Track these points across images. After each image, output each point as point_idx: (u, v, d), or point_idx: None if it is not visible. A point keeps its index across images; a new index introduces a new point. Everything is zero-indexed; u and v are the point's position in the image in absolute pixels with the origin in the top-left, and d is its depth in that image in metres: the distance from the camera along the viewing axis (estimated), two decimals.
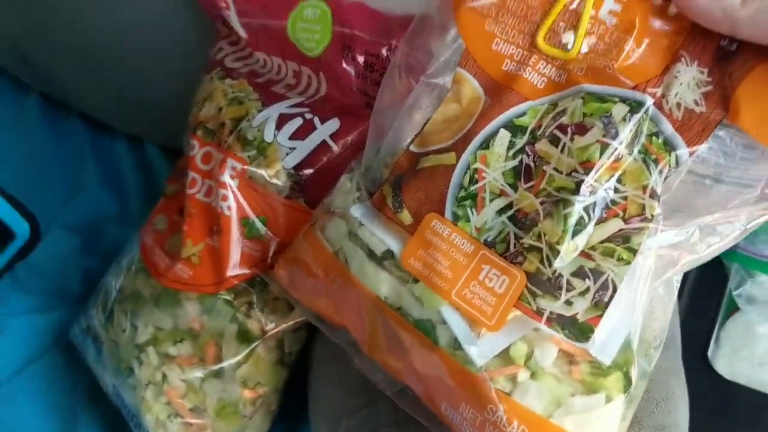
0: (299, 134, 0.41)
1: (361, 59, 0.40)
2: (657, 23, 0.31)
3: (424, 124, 0.34)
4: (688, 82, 0.30)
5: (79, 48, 0.56)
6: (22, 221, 0.59)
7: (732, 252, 0.49)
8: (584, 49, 0.32)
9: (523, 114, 0.32)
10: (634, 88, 0.30)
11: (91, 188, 0.64)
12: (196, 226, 0.43)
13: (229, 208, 0.41)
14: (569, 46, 0.32)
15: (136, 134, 0.67)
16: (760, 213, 0.32)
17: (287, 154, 0.41)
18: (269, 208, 0.41)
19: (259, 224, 0.41)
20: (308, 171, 0.41)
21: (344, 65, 0.41)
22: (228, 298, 0.42)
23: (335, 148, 0.41)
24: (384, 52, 0.40)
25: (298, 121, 0.41)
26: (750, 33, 0.29)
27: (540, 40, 0.32)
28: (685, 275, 0.45)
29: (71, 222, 0.61)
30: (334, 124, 0.41)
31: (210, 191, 0.43)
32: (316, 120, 0.41)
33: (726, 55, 0.30)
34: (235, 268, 0.42)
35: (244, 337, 0.42)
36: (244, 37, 0.46)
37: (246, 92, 0.44)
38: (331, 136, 0.40)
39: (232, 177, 0.41)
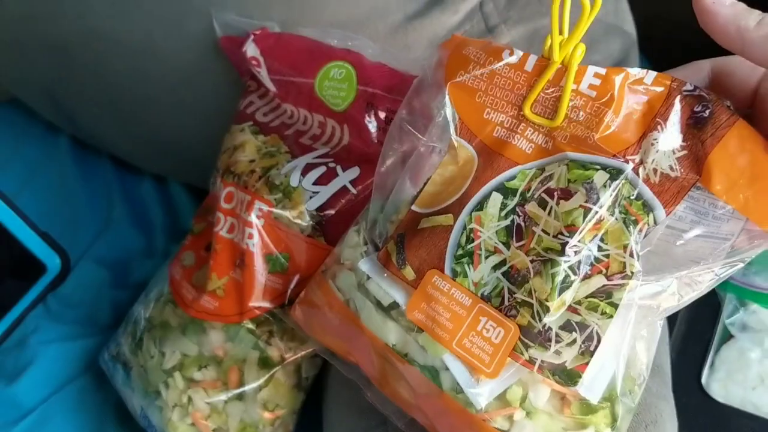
0: (323, 180, 0.45)
1: (382, 115, 0.45)
2: (634, 95, 0.33)
3: (424, 185, 0.37)
4: (664, 149, 0.33)
5: (106, 95, 0.60)
6: (53, 255, 0.63)
7: (725, 282, 0.51)
8: (568, 119, 0.34)
9: (514, 177, 0.35)
10: (613, 156, 0.33)
11: (119, 224, 0.67)
12: (221, 261, 0.46)
13: (254, 245, 0.45)
14: (554, 116, 0.35)
15: (161, 173, 0.71)
16: (732, 264, 0.35)
17: (311, 197, 0.45)
18: (292, 245, 0.45)
19: (282, 260, 0.45)
20: (329, 212, 0.45)
21: (367, 119, 0.45)
22: (251, 327, 0.45)
23: (354, 191, 0.45)
24: None
25: (321, 169, 0.45)
26: (758, 55, 0.32)
27: (527, 110, 0.35)
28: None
29: (100, 256, 0.65)
30: (354, 171, 0.45)
31: (235, 229, 0.46)
32: (339, 168, 0.45)
33: (699, 121, 0.32)
34: (257, 300, 0.45)
35: (265, 363, 0.46)
36: (274, 91, 0.50)
37: (278, 146, 0.49)
38: (351, 182, 0.45)
39: (258, 217, 0.45)
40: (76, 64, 0.59)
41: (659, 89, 0.33)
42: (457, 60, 0.37)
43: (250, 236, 0.45)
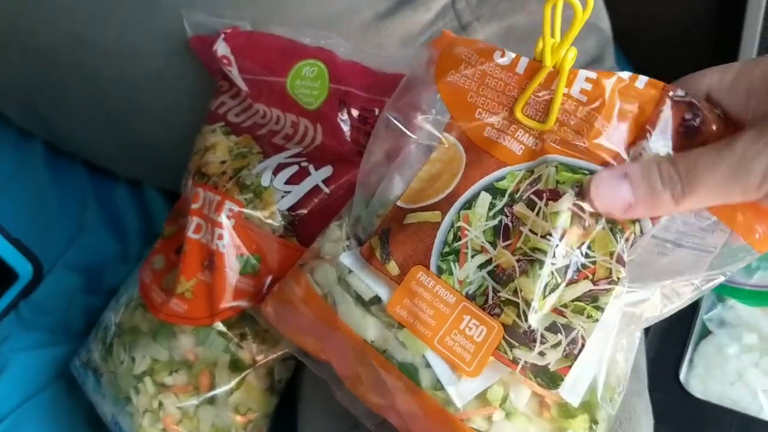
0: (294, 179, 0.44)
1: (355, 113, 0.44)
2: (625, 100, 0.33)
3: (412, 181, 0.37)
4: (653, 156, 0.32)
5: (91, 101, 0.59)
6: (25, 262, 0.62)
7: None
8: (559, 122, 0.34)
9: (503, 178, 0.35)
10: (602, 163, 0.33)
11: (92, 230, 0.66)
12: (189, 263, 0.45)
13: (224, 245, 0.44)
14: (545, 119, 0.35)
15: (137, 178, 0.70)
16: (713, 277, 0.35)
17: (282, 197, 0.44)
18: (264, 246, 0.44)
19: (253, 261, 0.44)
20: (302, 212, 0.44)
21: (340, 118, 0.45)
22: (221, 329, 0.45)
23: (326, 190, 0.44)
24: (376, 107, 0.44)
25: (293, 168, 0.45)
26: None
27: (518, 112, 0.35)
28: None
29: (74, 262, 0.63)
30: (327, 170, 0.44)
31: (202, 229, 0.45)
32: (311, 167, 0.45)
33: (689, 129, 0.32)
34: (228, 302, 0.44)
35: (236, 366, 0.45)
36: (245, 90, 0.50)
37: (250, 146, 0.48)
38: (324, 181, 0.44)
39: (228, 217, 0.44)
40: (56, 68, 0.58)
41: (650, 94, 0.33)
42: (447, 59, 0.37)
43: (220, 237, 0.44)
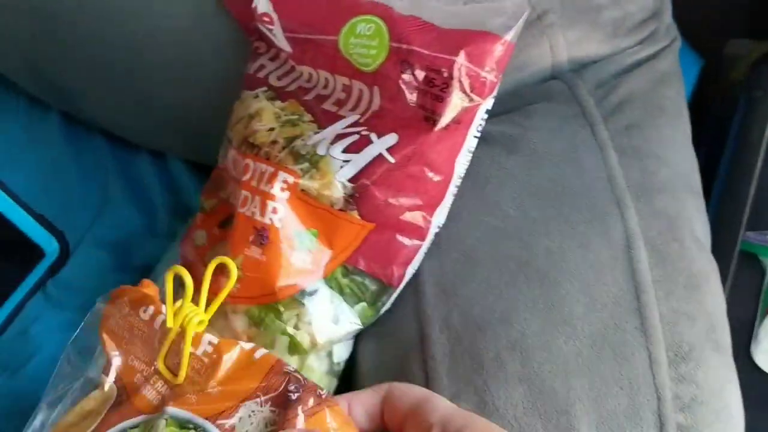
0: (354, 148, 0.41)
1: (420, 75, 0.40)
2: (238, 367, 0.36)
3: (66, 413, 0.38)
4: (258, 420, 0.33)
5: (96, 63, 0.56)
6: (51, 239, 0.59)
7: (767, 248, 0.51)
8: (189, 378, 0.36)
9: (136, 426, 0.36)
10: (206, 418, 0.34)
11: (117, 204, 0.64)
12: (237, 239, 0.43)
13: (280, 220, 0.41)
14: (177, 373, 0.36)
15: (159, 149, 0.67)
16: None
17: (341, 167, 0.41)
18: (320, 220, 0.41)
19: (309, 236, 0.41)
20: (364, 182, 0.41)
21: (403, 80, 0.41)
22: (279, 309, 0.42)
23: (392, 159, 0.41)
24: (444, 67, 0.40)
25: (353, 137, 0.41)
26: None
27: (160, 364, 0.37)
28: (723, 276, 0.47)
29: (100, 238, 0.61)
30: (392, 138, 0.41)
31: (251, 203, 0.42)
32: (373, 135, 0.41)
33: (288, 400, 0.34)
34: (285, 280, 0.41)
35: (295, 349, 0.42)
36: (288, 51, 0.46)
37: (299, 113, 0.44)
38: (388, 150, 0.41)
39: (282, 189, 0.41)
40: (65, 30, 0.54)
41: (265, 365, 0.35)
42: (112, 306, 0.40)
43: (275, 210, 0.41)
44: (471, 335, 0.40)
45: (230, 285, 0.38)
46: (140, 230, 0.63)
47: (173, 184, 0.67)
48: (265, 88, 0.47)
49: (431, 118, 0.40)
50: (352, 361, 0.46)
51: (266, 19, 0.46)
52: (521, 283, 0.41)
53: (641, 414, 0.37)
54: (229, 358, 0.36)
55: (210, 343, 0.36)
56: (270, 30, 0.47)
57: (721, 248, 0.51)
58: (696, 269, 0.42)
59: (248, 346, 0.36)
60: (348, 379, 0.46)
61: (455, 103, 0.40)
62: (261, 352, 0.36)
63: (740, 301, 0.51)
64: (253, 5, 0.46)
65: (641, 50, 0.50)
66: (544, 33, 0.48)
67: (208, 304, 0.38)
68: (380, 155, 0.41)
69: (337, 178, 0.41)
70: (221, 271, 0.40)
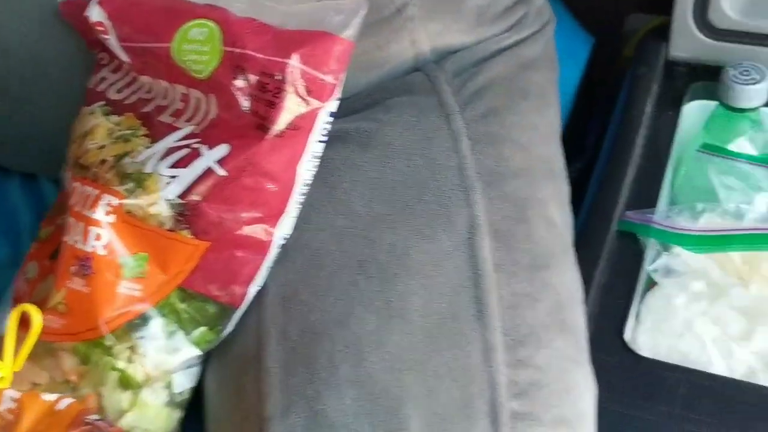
0: (182, 163, 0.38)
1: (253, 79, 0.38)
2: (43, 419, 0.36)
3: None
4: None
5: None
6: None
7: (646, 227, 0.50)
8: None
9: None
10: None
11: None
12: (61, 271, 0.40)
13: (104, 247, 0.38)
14: None
15: (25, 170, 0.62)
16: None
17: (168, 183, 0.38)
18: (150, 243, 0.38)
19: (138, 262, 0.38)
20: (193, 199, 0.38)
21: (235, 87, 0.38)
22: (107, 344, 0.39)
23: (223, 172, 0.38)
24: (277, 71, 0.38)
25: (183, 151, 0.38)
26: None
27: None
28: (598, 257, 0.48)
29: None
30: (222, 149, 0.38)
31: (75, 230, 0.40)
32: (203, 148, 0.38)
33: None
34: (112, 311, 0.38)
35: (127, 383, 0.39)
36: (127, 61, 0.43)
37: (134, 128, 0.42)
38: (219, 162, 0.38)
39: (107, 213, 0.38)
40: None
41: (68, 414, 0.36)
42: None
43: (98, 237, 0.38)
44: (307, 343, 0.38)
45: (34, 335, 0.37)
46: (3, 260, 0.58)
47: (44, 208, 0.62)
48: (102, 103, 0.44)
49: (263, 126, 0.37)
50: (202, 385, 0.43)
51: (100, 28, 0.43)
52: (361, 282, 0.39)
53: (474, 405, 0.35)
54: (32, 412, 0.36)
55: (12, 398, 0.36)
56: (106, 39, 0.44)
57: (598, 228, 0.50)
58: (543, 250, 0.41)
59: (52, 397, 0.36)
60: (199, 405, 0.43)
61: (290, 108, 0.37)
62: (65, 402, 0.36)
63: (619, 282, 0.49)
64: (86, 13, 0.43)
65: (508, 37, 0.49)
66: (404, 27, 0.46)
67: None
68: (209, 169, 0.38)
69: (162, 197, 0.38)
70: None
